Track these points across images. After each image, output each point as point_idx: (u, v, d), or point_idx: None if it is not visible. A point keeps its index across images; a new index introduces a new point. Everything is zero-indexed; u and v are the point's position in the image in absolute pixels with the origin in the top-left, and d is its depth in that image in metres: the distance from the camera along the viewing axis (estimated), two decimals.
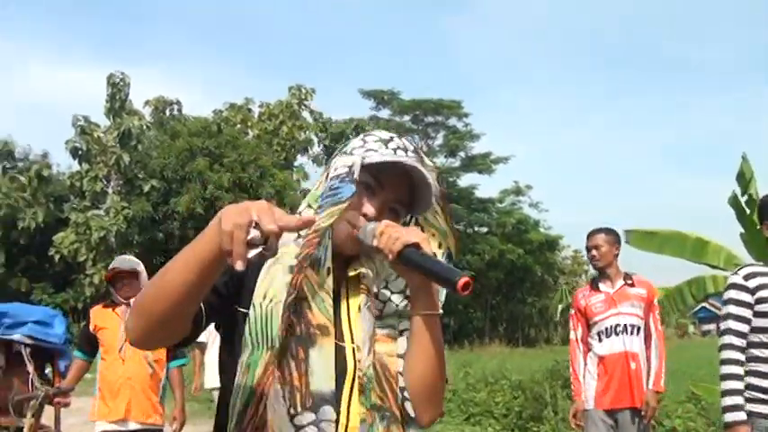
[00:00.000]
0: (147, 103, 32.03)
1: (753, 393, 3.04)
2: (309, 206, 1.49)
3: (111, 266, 4.53)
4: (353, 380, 1.40)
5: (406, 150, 1.48)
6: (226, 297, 1.42)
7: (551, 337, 43.00)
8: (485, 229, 39.75)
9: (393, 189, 1.48)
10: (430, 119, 40.26)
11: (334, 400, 1.36)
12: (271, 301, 1.38)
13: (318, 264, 1.40)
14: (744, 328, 3.08)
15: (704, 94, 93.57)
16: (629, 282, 4.51)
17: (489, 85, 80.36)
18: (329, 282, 1.41)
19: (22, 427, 4.59)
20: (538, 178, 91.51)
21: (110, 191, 28.11)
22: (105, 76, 27.79)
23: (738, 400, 3.00)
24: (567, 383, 6.73)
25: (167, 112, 33.02)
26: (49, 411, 4.94)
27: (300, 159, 34.00)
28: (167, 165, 28.55)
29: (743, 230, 6.90)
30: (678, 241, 7.14)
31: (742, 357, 3.06)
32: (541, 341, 41.91)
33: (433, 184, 1.47)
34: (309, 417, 1.34)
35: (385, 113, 38.79)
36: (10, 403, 4.67)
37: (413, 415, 1.45)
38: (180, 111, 33.24)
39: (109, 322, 4.39)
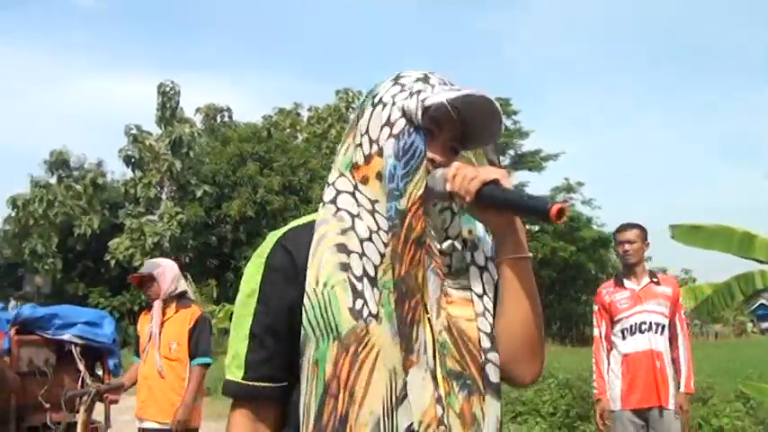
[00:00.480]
0: (198, 110, 32.82)
1: None
2: (342, 174, 1.36)
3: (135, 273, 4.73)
4: (434, 351, 1.27)
5: (448, 83, 1.37)
6: (287, 331, 1.29)
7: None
8: (536, 228, 39.41)
9: (450, 128, 1.35)
10: None
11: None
12: (325, 285, 1.25)
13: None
14: None
15: (755, 90, 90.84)
16: (655, 280, 4.41)
17: (538, 82, 79.50)
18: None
19: (74, 423, 4.81)
20: (590, 175, 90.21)
21: (163, 197, 28.83)
22: (156, 84, 28.63)
23: None
24: None
25: (218, 119, 33.75)
26: (100, 408, 5.15)
27: None
28: (219, 170, 29.22)
29: None
30: (725, 236, 6.94)
31: None
32: None
33: (501, 111, 1.32)
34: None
35: None
36: (62, 399, 4.89)
37: (494, 380, 1.30)
38: (230, 117, 33.99)
39: (144, 325, 4.54)
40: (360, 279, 1.25)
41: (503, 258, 1.32)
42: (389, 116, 1.33)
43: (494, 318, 1.34)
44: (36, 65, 66.75)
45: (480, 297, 1.34)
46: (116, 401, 5.00)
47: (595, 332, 4.51)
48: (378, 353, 1.22)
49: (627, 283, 4.43)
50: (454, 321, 1.30)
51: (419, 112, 1.29)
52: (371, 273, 1.26)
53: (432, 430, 1.21)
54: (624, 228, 4.52)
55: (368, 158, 1.34)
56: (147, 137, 28.84)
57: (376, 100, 1.37)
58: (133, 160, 28.61)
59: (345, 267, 1.25)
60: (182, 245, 27.23)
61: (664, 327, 4.31)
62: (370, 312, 1.23)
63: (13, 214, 28.80)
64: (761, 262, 7.13)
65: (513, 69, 74.56)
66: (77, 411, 4.75)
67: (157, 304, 4.34)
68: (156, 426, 4.21)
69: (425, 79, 1.36)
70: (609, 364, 4.38)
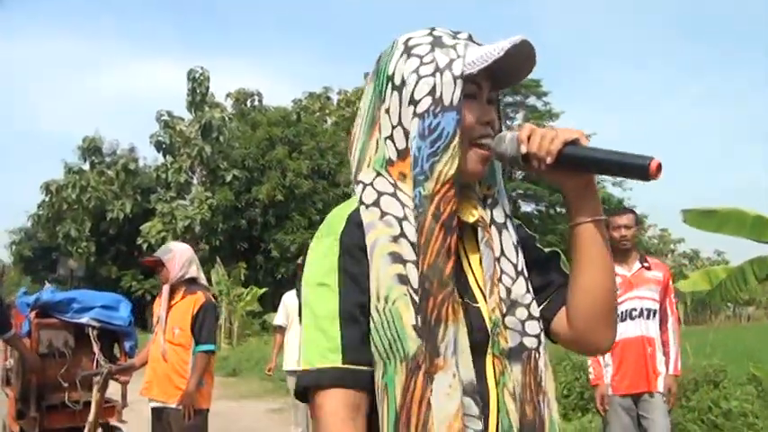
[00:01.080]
0: (228, 95, 33.08)
1: None
2: (379, 174, 1.22)
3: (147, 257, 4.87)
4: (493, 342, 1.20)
5: (465, 39, 1.25)
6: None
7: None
8: (563, 209, 39.13)
9: (487, 82, 1.24)
10: (509, 99, 39.74)
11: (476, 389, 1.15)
12: (386, 301, 1.13)
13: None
14: None
15: None
16: (646, 265, 4.36)
17: (569, 62, 78.50)
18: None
19: (90, 401, 5.04)
20: None
21: (194, 181, 29.20)
22: (187, 69, 28.94)
23: None
24: None
25: (248, 104, 33.98)
26: (117, 387, 5.38)
27: None
28: (248, 154, 29.49)
29: None
30: (737, 219, 6.87)
31: None
32: None
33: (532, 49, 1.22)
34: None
35: None
36: (77, 379, 5.13)
37: (512, 345, 1.21)
38: (260, 101, 34.16)
39: (156, 309, 4.71)
40: (417, 291, 1.13)
41: (581, 221, 1.22)
42: (412, 94, 1.20)
43: (523, 280, 1.25)
44: (69, 51, 67.87)
45: (498, 259, 1.23)
46: (127, 382, 5.20)
47: None
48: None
49: (618, 269, 4.29)
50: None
51: (457, 90, 1.17)
52: None
53: None
54: (621, 212, 4.51)
55: (403, 153, 1.21)
56: (178, 122, 29.18)
57: (397, 81, 1.22)
58: (164, 146, 29.01)
59: (404, 280, 1.13)
60: (212, 228, 27.60)
61: (655, 312, 4.31)
62: None
63: (47, 200, 29.47)
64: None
65: (545, 48, 73.62)
66: (92, 390, 4.97)
67: (165, 289, 4.45)
68: (159, 404, 4.38)
69: (440, 42, 1.23)
70: None
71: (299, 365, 1.20)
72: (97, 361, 5.08)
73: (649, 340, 4.27)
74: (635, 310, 4.28)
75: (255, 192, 28.54)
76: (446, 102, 1.17)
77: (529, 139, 1.16)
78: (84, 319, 5.25)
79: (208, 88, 28.89)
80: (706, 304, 46.56)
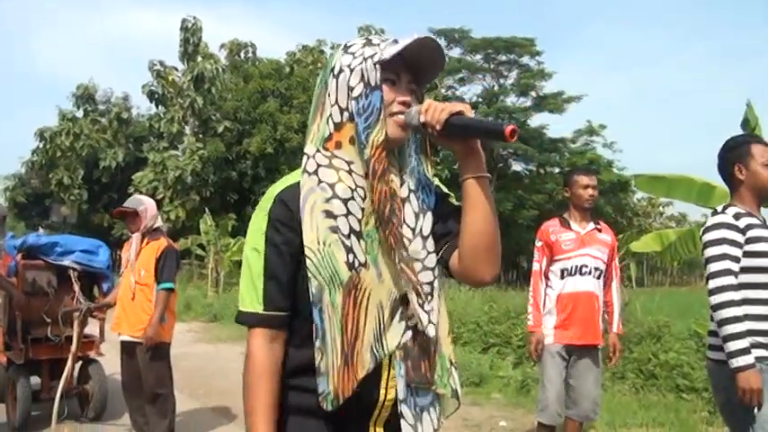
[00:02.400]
0: (222, 46, 32.97)
1: (753, 339, 2.84)
2: (318, 150, 1.57)
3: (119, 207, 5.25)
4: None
5: (390, 39, 1.57)
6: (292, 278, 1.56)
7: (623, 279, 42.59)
8: (556, 170, 39.36)
9: (406, 73, 1.58)
10: (502, 57, 39.63)
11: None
12: (324, 244, 1.49)
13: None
14: (737, 268, 2.90)
15: None
16: (599, 227, 4.51)
17: (567, 21, 77.78)
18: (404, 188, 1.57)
19: (71, 336, 5.49)
20: (613, 118, 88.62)
21: (187, 131, 29.25)
22: (181, 18, 28.73)
23: (744, 343, 2.79)
24: None
25: (242, 55, 33.87)
26: (96, 324, 5.83)
27: None
28: (240, 107, 29.52)
29: None
30: (685, 185, 7.08)
31: (739, 298, 2.86)
32: None
33: (440, 50, 1.56)
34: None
35: (456, 52, 38.48)
36: (59, 315, 5.58)
37: (424, 280, 1.56)
38: (254, 53, 34.01)
39: (125, 253, 5.15)
40: (348, 237, 1.50)
41: (466, 177, 1.53)
42: (348, 82, 1.53)
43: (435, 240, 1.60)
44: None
45: (411, 224, 1.58)
46: (103, 318, 5.67)
47: (535, 266, 4.56)
48: (369, 293, 1.51)
49: (573, 225, 4.47)
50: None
51: (377, 74, 1.51)
52: (356, 228, 1.51)
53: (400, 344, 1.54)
54: (590, 172, 4.59)
55: (339, 126, 1.55)
56: (170, 72, 29.06)
57: (336, 72, 1.56)
58: (157, 96, 28.97)
59: (335, 230, 1.49)
60: (203, 179, 27.76)
61: (601, 272, 4.41)
62: (359, 263, 1.50)
63: (41, 146, 29.54)
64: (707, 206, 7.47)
65: (542, 9, 72.97)
66: (72, 326, 5.42)
67: (136, 236, 4.94)
68: (129, 338, 4.88)
69: (369, 43, 1.57)
70: (544, 299, 4.48)
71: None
72: (77, 299, 5.51)
73: (596, 297, 4.40)
74: (586, 266, 4.37)
75: (246, 144, 28.66)
76: (372, 84, 1.51)
77: (426, 111, 1.48)
78: (67, 262, 5.69)
79: (200, 39, 28.67)
80: (693, 266, 47.19)
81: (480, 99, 37.57)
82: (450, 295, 12.63)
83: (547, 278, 4.51)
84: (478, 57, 39.48)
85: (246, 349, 1.58)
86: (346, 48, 1.58)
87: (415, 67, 1.58)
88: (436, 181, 1.71)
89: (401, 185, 1.59)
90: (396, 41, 1.55)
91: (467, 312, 9.80)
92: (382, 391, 1.55)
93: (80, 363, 5.82)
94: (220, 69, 29.62)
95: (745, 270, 2.92)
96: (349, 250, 1.50)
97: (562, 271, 4.42)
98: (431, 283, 1.58)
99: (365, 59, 1.53)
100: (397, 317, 1.54)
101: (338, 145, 1.55)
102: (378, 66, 1.52)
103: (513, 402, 6.59)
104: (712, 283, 2.91)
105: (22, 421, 5.46)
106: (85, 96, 31.47)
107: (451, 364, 1.63)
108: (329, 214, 1.50)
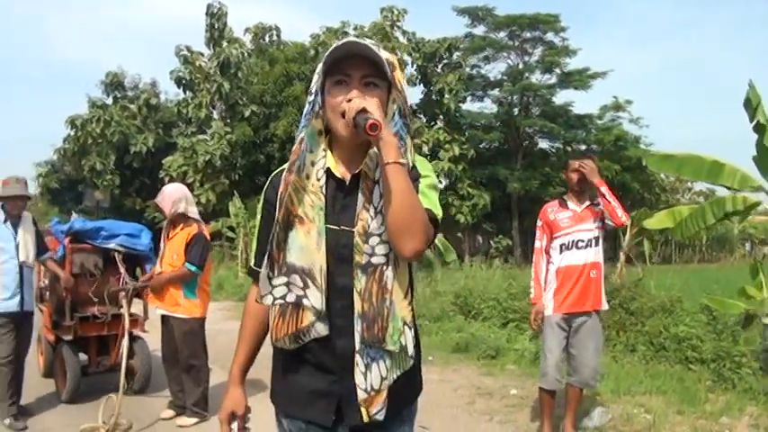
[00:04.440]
0: (247, 30, 33.27)
1: None
2: (302, 140, 1.84)
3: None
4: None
5: (353, 41, 1.75)
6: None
7: (651, 255, 42.36)
8: (582, 147, 39.13)
9: (358, 70, 1.76)
10: (527, 34, 39.35)
11: (305, 271, 1.79)
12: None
13: (299, 170, 1.81)
14: None
15: None
16: (596, 202, 4.78)
17: None
18: (315, 182, 1.82)
19: (116, 314, 5.95)
20: (640, 93, 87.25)
21: (215, 116, 29.71)
22: (207, 2, 28.92)
23: None
24: None
25: (266, 39, 34.14)
26: (140, 303, 6.29)
27: None
28: (266, 90, 29.81)
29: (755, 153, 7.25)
30: (695, 163, 7.24)
31: None
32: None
33: (378, 53, 1.74)
34: (281, 280, 1.81)
35: (480, 30, 38.28)
36: (105, 294, 6.04)
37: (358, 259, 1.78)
38: (279, 36, 34.23)
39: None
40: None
41: (381, 164, 1.69)
42: (312, 87, 1.84)
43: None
44: None
45: (367, 203, 1.80)
46: (147, 297, 6.13)
47: (537, 244, 4.95)
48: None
49: (570, 204, 4.83)
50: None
51: (319, 79, 1.80)
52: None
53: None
54: (582, 155, 4.88)
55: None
56: (197, 57, 29.45)
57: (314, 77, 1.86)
58: (184, 81, 29.37)
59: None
60: (231, 163, 28.24)
61: (598, 238, 4.74)
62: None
63: (73, 134, 30.09)
64: (728, 188, 7.65)
65: None
66: (119, 305, 5.88)
67: (166, 223, 5.46)
68: (164, 312, 5.39)
69: (338, 44, 1.76)
70: (547, 272, 4.84)
71: None
72: (123, 280, 5.97)
73: (594, 265, 4.72)
74: (582, 241, 4.73)
75: (273, 128, 28.95)
76: (316, 88, 1.82)
77: (348, 108, 1.71)
78: (112, 245, 6.14)
79: (225, 24, 29.02)
80: (722, 241, 46.75)
81: (505, 77, 37.39)
82: (471, 273, 12.99)
83: (548, 254, 4.89)
84: (503, 34, 39.18)
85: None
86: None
87: (372, 62, 1.76)
88: (420, 162, 1.91)
89: (375, 168, 1.79)
90: (343, 42, 1.76)
91: (487, 290, 10.16)
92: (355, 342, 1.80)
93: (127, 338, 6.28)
94: (246, 54, 29.92)
95: None
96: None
97: (561, 246, 4.80)
98: (386, 255, 1.78)
99: (319, 67, 1.81)
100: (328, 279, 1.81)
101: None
102: (320, 73, 1.80)
103: (527, 373, 6.94)
104: None
105: (72, 394, 5.92)
106: (115, 84, 32.01)
107: (405, 324, 1.82)
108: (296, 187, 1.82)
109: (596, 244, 4.78)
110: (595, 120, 40.06)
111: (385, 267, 1.78)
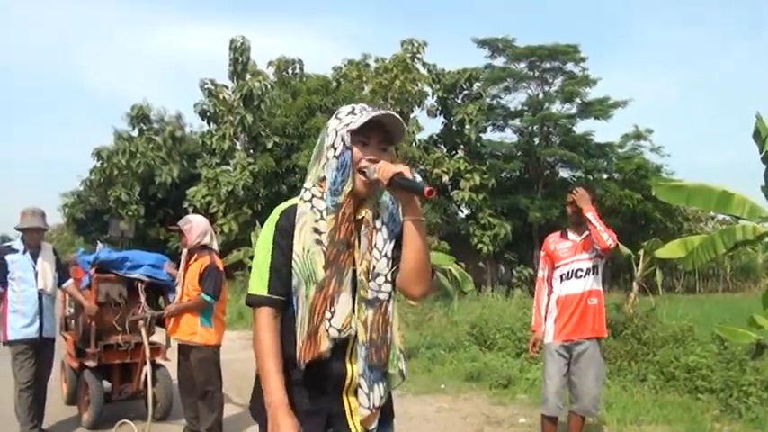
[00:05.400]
0: (270, 63, 33.86)
1: None
2: (315, 185, 2.10)
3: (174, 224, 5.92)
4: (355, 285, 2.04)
5: (369, 108, 2.06)
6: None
7: (674, 286, 41.84)
8: (605, 176, 38.99)
9: (376, 136, 2.07)
10: (546, 65, 39.55)
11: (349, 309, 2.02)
12: (308, 252, 2.01)
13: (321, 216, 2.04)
14: None
15: None
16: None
17: (611, 22, 76.89)
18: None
19: (140, 342, 6.13)
20: (661, 122, 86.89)
21: (238, 147, 30.10)
22: (230, 36, 29.59)
23: None
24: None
25: (289, 71, 34.71)
26: (162, 332, 6.46)
27: (416, 112, 34.57)
28: (288, 122, 30.19)
29: (764, 184, 7.36)
30: (704, 193, 7.34)
31: None
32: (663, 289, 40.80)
33: (399, 121, 2.05)
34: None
35: (500, 61, 38.59)
36: (126, 324, 6.23)
37: (380, 297, 2.05)
38: (301, 69, 34.78)
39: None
40: (327, 251, 2.01)
41: (405, 219, 2.03)
42: (333, 142, 2.05)
43: (393, 260, 2.07)
44: (120, 19, 68.85)
45: (371, 246, 2.06)
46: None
47: (539, 274, 5.14)
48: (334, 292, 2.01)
49: (571, 235, 5.02)
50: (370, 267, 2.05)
51: (348, 137, 2.02)
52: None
53: (346, 330, 2.01)
54: (587, 185, 5.10)
55: (322, 179, 2.09)
56: (221, 90, 29.91)
57: (329, 131, 2.08)
58: (208, 114, 29.80)
59: (319, 242, 2.02)
60: (254, 193, 28.45)
61: (596, 266, 4.88)
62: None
63: (99, 165, 30.59)
64: (737, 218, 7.73)
65: (583, 12, 72.24)
66: (139, 333, 6.03)
67: (184, 252, 5.64)
68: (182, 341, 5.54)
69: (352, 111, 2.07)
70: (549, 301, 5.00)
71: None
72: (143, 308, 6.12)
73: (593, 292, 4.87)
74: (581, 270, 4.89)
75: (295, 159, 29.09)
76: (347, 145, 2.04)
77: (379, 170, 1.99)
78: (136, 275, 6.31)
79: (249, 57, 29.51)
80: (747, 271, 46.15)
81: (525, 107, 37.60)
82: (487, 304, 13.10)
83: (550, 284, 5.06)
84: (522, 65, 39.43)
85: (254, 324, 2.07)
86: (337, 114, 2.10)
87: (385, 130, 2.08)
88: None
89: (376, 218, 2.09)
90: (371, 110, 2.05)
91: (501, 319, 10.27)
92: (349, 367, 2.05)
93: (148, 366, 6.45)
94: (269, 86, 30.26)
95: None
96: (327, 260, 2.01)
97: (561, 276, 4.97)
98: (389, 292, 2.09)
99: (345, 127, 2.04)
100: (347, 311, 2.02)
101: (321, 192, 2.08)
102: (349, 132, 2.03)
103: (537, 402, 6.97)
104: None
105: (95, 420, 6.06)
106: (140, 116, 32.57)
107: (401, 351, 2.14)
108: (317, 231, 2.03)
109: (595, 272, 4.92)
110: (616, 148, 39.88)
111: (388, 303, 2.09)
